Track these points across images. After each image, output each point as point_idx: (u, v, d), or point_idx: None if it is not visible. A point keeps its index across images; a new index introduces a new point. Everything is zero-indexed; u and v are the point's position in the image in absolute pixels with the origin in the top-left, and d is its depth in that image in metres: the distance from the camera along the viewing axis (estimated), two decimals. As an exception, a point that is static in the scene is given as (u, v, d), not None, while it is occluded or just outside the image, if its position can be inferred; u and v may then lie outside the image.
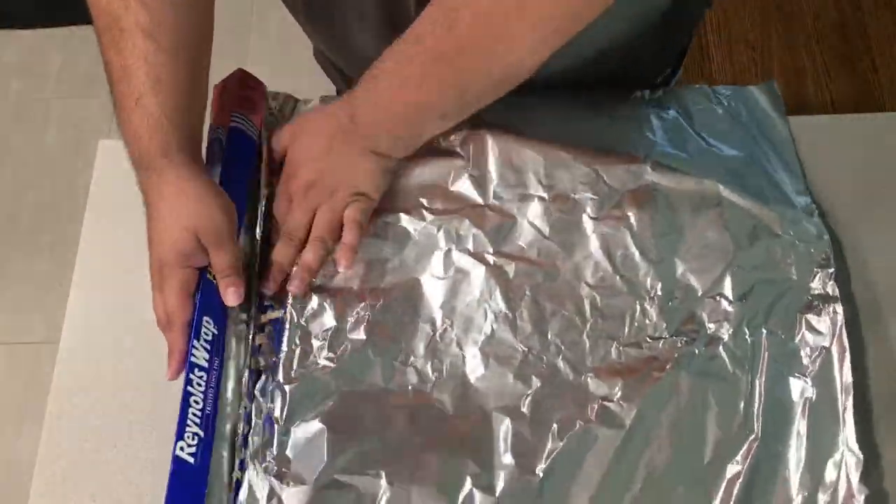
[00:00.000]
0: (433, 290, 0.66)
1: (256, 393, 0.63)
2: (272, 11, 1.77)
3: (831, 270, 0.65)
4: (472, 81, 0.64)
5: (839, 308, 0.64)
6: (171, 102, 0.62)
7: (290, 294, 0.65)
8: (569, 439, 0.60)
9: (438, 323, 0.65)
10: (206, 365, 0.61)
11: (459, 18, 0.60)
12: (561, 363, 0.63)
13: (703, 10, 0.82)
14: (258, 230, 0.69)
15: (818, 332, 0.63)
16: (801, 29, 1.82)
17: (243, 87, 0.72)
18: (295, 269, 0.66)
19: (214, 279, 0.63)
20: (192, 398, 0.59)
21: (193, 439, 0.58)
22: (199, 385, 0.60)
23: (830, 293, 0.64)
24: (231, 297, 0.63)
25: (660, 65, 0.83)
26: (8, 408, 1.50)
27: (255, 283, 0.67)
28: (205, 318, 0.62)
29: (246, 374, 0.63)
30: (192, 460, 0.58)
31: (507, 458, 0.59)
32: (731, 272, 0.66)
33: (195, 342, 0.61)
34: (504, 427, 0.61)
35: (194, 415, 0.59)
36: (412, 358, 0.64)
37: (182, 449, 0.58)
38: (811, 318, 0.64)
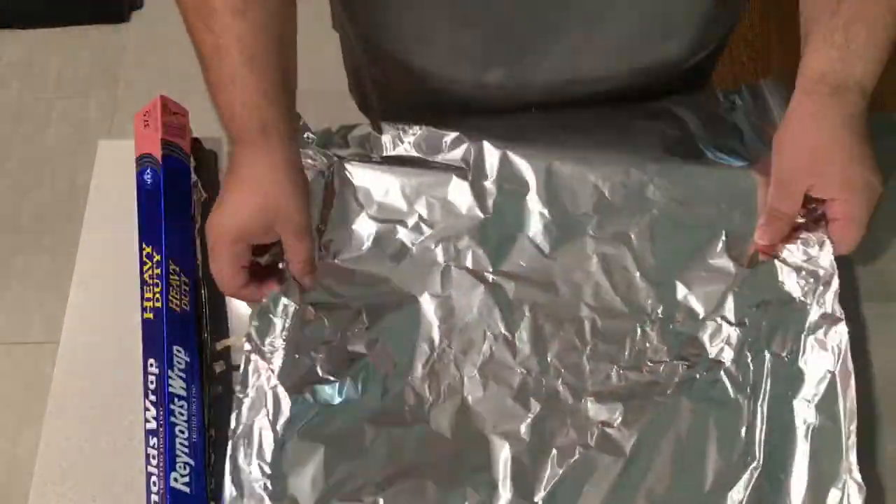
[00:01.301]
0: (431, 308, 0.65)
1: (249, 394, 0.62)
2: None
3: (835, 289, 0.63)
4: None
5: (844, 329, 0.61)
6: (267, 80, 0.62)
7: None
8: (568, 466, 0.59)
9: (437, 342, 0.64)
10: (184, 394, 0.62)
11: None
12: (560, 386, 0.62)
13: None
14: (199, 261, 0.69)
15: (822, 355, 0.61)
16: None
17: (167, 112, 0.72)
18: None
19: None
20: (178, 428, 0.60)
21: (185, 469, 0.59)
22: (182, 414, 0.61)
23: (836, 313, 0.62)
24: (307, 284, 0.66)
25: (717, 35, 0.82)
26: (8, 408, 1.50)
27: (205, 310, 0.67)
28: (175, 348, 0.63)
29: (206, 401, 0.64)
30: (187, 490, 0.59)
31: (506, 486, 0.59)
32: (732, 294, 0.65)
33: (169, 372, 0.62)
34: (503, 453, 0.60)
35: (182, 444, 0.60)
36: (410, 377, 0.63)
37: (176, 480, 0.58)
38: (815, 339, 0.62)
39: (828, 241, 0.65)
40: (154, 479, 0.59)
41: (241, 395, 0.62)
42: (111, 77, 1.84)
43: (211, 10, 0.60)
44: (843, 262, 0.65)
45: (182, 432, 0.60)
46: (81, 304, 0.71)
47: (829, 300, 0.63)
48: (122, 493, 0.63)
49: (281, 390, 0.62)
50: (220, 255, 0.62)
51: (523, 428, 0.61)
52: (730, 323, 0.64)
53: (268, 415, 0.61)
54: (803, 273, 0.65)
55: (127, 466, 0.63)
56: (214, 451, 0.63)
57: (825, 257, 0.64)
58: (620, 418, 0.61)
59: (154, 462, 0.59)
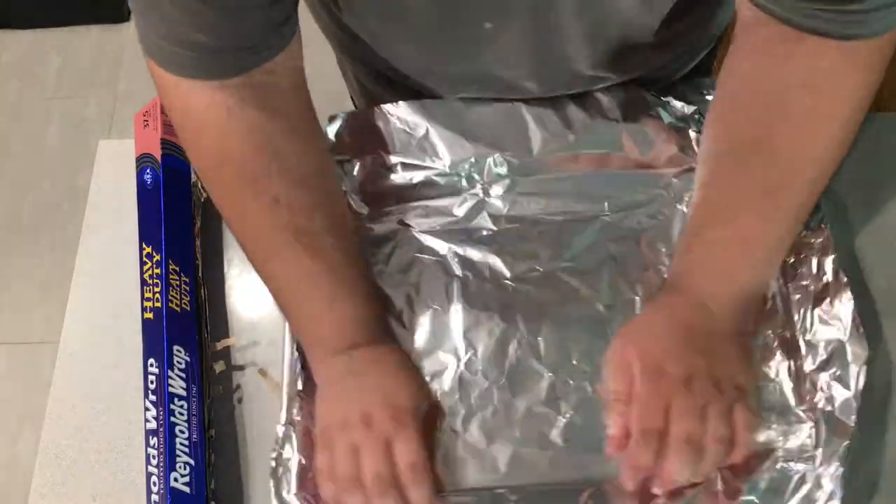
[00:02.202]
0: (453, 319, 0.66)
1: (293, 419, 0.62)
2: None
3: (833, 256, 0.64)
4: (810, 195, 0.60)
5: (849, 295, 0.62)
6: (364, 288, 0.64)
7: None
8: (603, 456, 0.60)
9: (462, 353, 0.64)
10: (184, 394, 0.62)
11: (780, 144, 0.57)
12: (588, 386, 0.63)
13: None
14: (199, 261, 0.70)
15: (828, 328, 0.62)
16: (800, 29, 1.82)
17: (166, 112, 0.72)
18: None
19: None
20: (178, 428, 0.60)
21: (185, 469, 0.59)
22: (182, 414, 0.61)
23: (841, 280, 0.63)
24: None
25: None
26: (8, 408, 1.50)
27: (205, 310, 0.67)
28: (175, 348, 0.63)
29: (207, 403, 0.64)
30: (187, 490, 0.59)
31: (547, 487, 0.59)
32: None
33: (169, 372, 0.62)
34: (542, 459, 0.60)
35: (182, 444, 0.60)
36: (439, 392, 0.63)
37: (176, 480, 0.58)
38: (822, 310, 0.63)
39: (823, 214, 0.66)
40: (154, 479, 0.59)
41: (283, 432, 0.61)
42: (111, 77, 1.84)
43: (311, 236, 0.60)
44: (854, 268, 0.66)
45: (182, 432, 0.60)
46: (81, 304, 0.71)
47: (832, 267, 0.63)
48: (122, 493, 0.63)
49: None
50: (408, 425, 0.58)
51: (555, 432, 0.61)
52: None
53: (301, 449, 0.61)
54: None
55: (127, 466, 0.63)
56: (214, 450, 0.63)
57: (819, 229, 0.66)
58: None
59: (154, 462, 0.59)
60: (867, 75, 0.55)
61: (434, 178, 0.71)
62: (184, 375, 0.62)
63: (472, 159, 0.71)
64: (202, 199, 0.72)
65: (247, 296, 0.70)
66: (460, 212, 0.70)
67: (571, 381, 0.63)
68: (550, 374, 0.63)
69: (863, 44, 0.54)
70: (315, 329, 0.62)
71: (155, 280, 0.66)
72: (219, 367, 0.66)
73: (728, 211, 0.60)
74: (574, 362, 0.64)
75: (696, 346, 0.59)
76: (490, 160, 0.71)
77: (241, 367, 0.67)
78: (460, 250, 0.68)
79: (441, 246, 0.68)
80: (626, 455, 0.56)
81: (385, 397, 0.59)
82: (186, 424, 0.61)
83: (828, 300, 0.63)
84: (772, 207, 0.59)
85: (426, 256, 0.68)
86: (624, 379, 0.58)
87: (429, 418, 0.61)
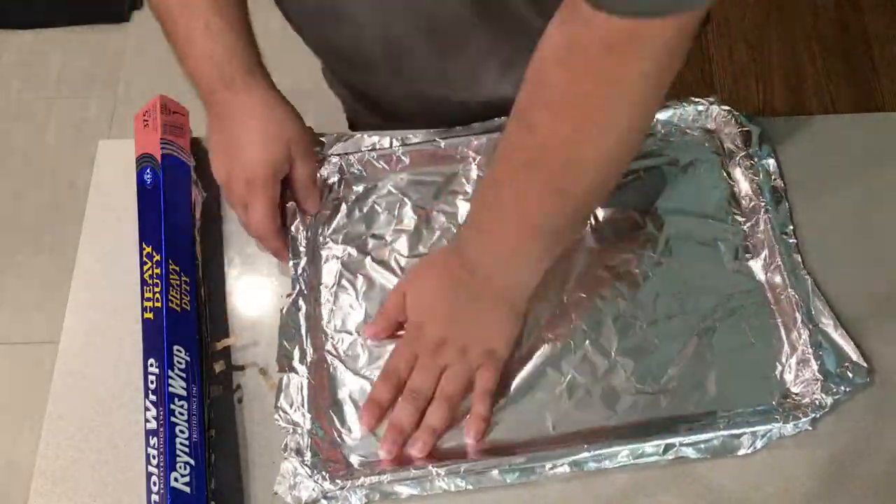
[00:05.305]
0: None
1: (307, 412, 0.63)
2: (272, 11, 1.77)
3: (793, 241, 0.68)
4: (568, 177, 0.57)
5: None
6: (240, 24, 0.64)
7: (412, 457, 0.61)
8: (610, 413, 0.63)
9: None
10: (184, 393, 0.62)
11: (537, 119, 0.54)
12: (588, 346, 0.65)
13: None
14: (199, 261, 0.70)
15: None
16: (801, 29, 1.82)
17: (166, 112, 0.73)
18: (418, 431, 0.62)
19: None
20: (178, 428, 0.60)
21: (186, 468, 0.59)
22: (182, 414, 0.61)
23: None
24: (312, 205, 0.69)
25: None
26: (8, 408, 1.50)
27: (205, 310, 0.68)
28: (175, 348, 0.63)
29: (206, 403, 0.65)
30: (188, 490, 0.59)
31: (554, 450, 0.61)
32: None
33: (169, 372, 0.62)
34: (547, 418, 0.62)
35: (182, 444, 0.60)
36: None
37: (176, 480, 0.58)
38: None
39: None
40: (154, 479, 0.59)
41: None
42: (111, 77, 1.84)
43: None
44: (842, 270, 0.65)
45: (182, 432, 0.60)
46: (81, 304, 0.71)
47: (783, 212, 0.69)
48: (122, 493, 0.63)
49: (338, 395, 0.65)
50: (258, 197, 0.65)
51: (558, 391, 0.63)
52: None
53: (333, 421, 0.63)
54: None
55: (127, 466, 0.63)
56: (214, 450, 0.63)
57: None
58: (650, 376, 0.64)
59: (154, 462, 0.59)
60: (624, 60, 0.49)
61: (422, 149, 0.73)
62: (184, 375, 0.62)
63: (458, 134, 0.73)
64: (202, 199, 0.72)
65: (247, 296, 0.70)
66: (448, 174, 0.73)
67: (572, 342, 0.65)
68: (551, 337, 0.65)
69: (621, 23, 0.47)
70: (204, 57, 0.64)
71: (155, 280, 0.66)
72: (219, 367, 0.66)
73: (493, 176, 0.61)
74: (574, 324, 0.66)
75: (459, 309, 0.64)
76: (475, 136, 0.73)
77: (241, 367, 0.67)
78: (448, 208, 0.71)
79: (442, 220, 0.71)
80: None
81: (297, 140, 0.66)
82: (186, 424, 0.61)
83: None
84: (528, 182, 0.58)
85: (426, 229, 0.71)
86: (391, 316, 0.66)
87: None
